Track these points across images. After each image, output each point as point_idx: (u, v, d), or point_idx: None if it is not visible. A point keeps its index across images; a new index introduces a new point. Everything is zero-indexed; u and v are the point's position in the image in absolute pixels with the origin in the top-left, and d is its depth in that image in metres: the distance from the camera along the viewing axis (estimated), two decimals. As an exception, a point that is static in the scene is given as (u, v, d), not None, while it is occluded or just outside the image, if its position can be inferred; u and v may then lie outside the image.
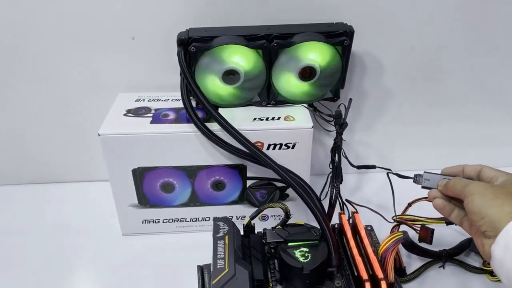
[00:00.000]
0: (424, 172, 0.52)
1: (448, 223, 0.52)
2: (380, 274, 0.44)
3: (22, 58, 0.62)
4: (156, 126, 0.56)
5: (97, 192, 0.69)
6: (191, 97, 0.56)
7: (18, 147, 0.70)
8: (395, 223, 0.56)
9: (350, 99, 0.56)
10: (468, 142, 0.74)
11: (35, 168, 0.73)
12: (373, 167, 0.59)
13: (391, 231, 0.56)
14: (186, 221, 0.63)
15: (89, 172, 0.73)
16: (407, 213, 0.57)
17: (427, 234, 0.52)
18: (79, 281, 0.58)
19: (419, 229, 0.53)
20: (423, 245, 0.56)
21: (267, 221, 0.64)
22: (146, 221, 0.62)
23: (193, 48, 0.54)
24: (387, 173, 0.58)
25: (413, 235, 0.56)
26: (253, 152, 0.53)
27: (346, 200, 0.59)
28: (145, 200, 0.60)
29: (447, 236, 0.60)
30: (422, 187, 0.51)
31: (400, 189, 0.58)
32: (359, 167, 0.60)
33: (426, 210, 0.54)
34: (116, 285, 0.57)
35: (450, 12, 0.62)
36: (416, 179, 0.52)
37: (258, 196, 0.61)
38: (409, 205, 0.58)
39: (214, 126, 0.54)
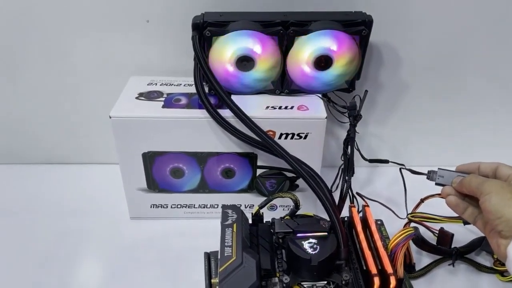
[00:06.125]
0: (439, 168, 0.50)
1: (466, 223, 0.51)
2: (389, 269, 0.43)
3: (34, 39, 0.62)
4: (168, 110, 0.55)
5: (106, 175, 0.69)
6: (204, 83, 0.55)
7: (28, 127, 0.70)
8: (408, 221, 0.55)
9: (366, 91, 0.55)
10: (484, 139, 0.73)
11: (44, 149, 0.73)
12: (386, 161, 0.58)
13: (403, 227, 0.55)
14: (194, 207, 0.62)
15: (99, 154, 0.73)
16: (419, 210, 0.56)
17: (446, 239, 0.51)
18: (84, 263, 0.58)
19: (436, 231, 0.52)
20: (434, 241, 0.55)
21: (276, 211, 0.63)
22: (155, 205, 0.62)
23: (208, 32, 0.53)
24: (400, 169, 0.56)
25: (424, 231, 0.55)
26: (265, 141, 0.52)
27: (357, 193, 0.58)
28: (154, 184, 0.60)
29: (458, 234, 0.59)
30: (436, 183, 0.50)
31: (412, 185, 0.58)
32: (371, 161, 0.59)
33: (438, 208, 0.53)
34: (121, 268, 0.57)
35: (473, 4, 0.60)
36: (430, 175, 0.51)
37: (268, 186, 0.61)
38: (422, 201, 0.57)
39: (226, 113, 0.54)
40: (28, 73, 0.65)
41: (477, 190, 0.44)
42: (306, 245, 0.47)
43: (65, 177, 0.72)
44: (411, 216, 0.54)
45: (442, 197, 0.50)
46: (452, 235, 0.51)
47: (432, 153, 0.74)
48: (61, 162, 0.74)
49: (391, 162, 0.59)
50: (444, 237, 0.53)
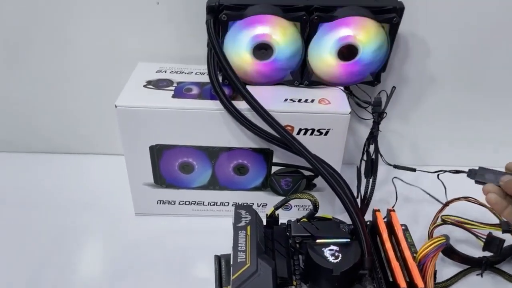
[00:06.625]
0: (480, 167, 0.48)
1: (505, 231, 0.48)
2: (420, 283, 0.39)
3: (37, 23, 0.58)
4: (178, 100, 0.51)
5: (111, 166, 0.65)
6: (218, 72, 0.51)
7: (32, 115, 0.67)
8: (435, 225, 0.51)
9: (393, 88, 0.50)
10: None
11: (47, 137, 0.69)
12: (413, 170, 0.54)
13: (430, 233, 0.51)
14: (203, 204, 0.59)
15: (104, 144, 0.69)
16: (446, 213, 0.52)
17: (494, 245, 0.49)
18: (85, 260, 0.55)
19: (483, 236, 0.49)
20: (463, 250, 0.51)
21: (290, 211, 0.59)
22: (161, 201, 0.58)
23: (224, 16, 0.48)
24: (438, 175, 0.54)
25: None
26: (284, 137, 0.48)
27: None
28: (161, 179, 0.56)
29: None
30: (476, 181, 0.48)
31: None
32: (396, 167, 0.55)
33: (461, 212, 0.50)
34: (124, 267, 0.53)
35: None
36: (471, 173, 0.49)
37: (283, 184, 0.57)
38: (446, 205, 0.53)
39: (241, 105, 0.49)
40: (30, 58, 0.61)
41: None
42: (327, 252, 0.43)
43: (67, 167, 0.68)
44: (445, 217, 0.51)
45: (468, 200, 0.49)
46: (503, 241, 0.47)
47: (457, 152, 0.69)
48: (63, 151, 0.70)
49: (419, 170, 0.55)
50: (492, 242, 0.50)
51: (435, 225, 0.52)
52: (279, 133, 0.48)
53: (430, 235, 0.52)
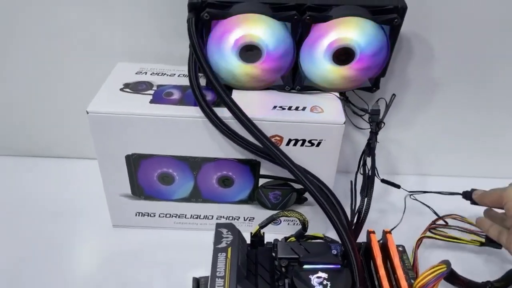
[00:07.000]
0: (472, 189, 0.51)
1: (484, 244, 0.50)
2: (418, 320, 0.35)
3: (12, 21, 0.54)
4: (157, 106, 0.46)
5: (88, 171, 0.61)
6: (200, 74, 0.46)
7: (4, 115, 0.63)
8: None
9: (393, 95, 0.46)
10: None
11: (20, 139, 0.65)
12: (397, 186, 0.53)
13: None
14: (186, 217, 0.54)
15: (80, 148, 0.65)
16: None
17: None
18: (58, 274, 0.51)
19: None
20: (465, 275, 0.47)
21: (279, 226, 0.55)
22: (140, 213, 0.54)
23: (207, 15, 0.44)
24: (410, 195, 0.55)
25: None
26: (267, 147, 0.43)
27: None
28: (139, 190, 0.52)
29: (492, 263, 0.51)
30: (472, 203, 0.51)
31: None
32: (383, 181, 0.54)
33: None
34: (101, 282, 0.50)
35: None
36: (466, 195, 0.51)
37: (271, 198, 0.52)
38: (434, 222, 0.53)
39: (225, 113, 0.45)
40: (5, 58, 0.57)
41: (499, 198, 0.46)
42: (314, 280, 0.39)
43: (43, 172, 0.64)
44: (431, 233, 0.51)
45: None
46: None
47: (459, 163, 0.65)
48: (37, 155, 0.66)
49: (403, 188, 0.56)
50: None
51: (422, 235, 0.52)
52: (261, 142, 0.43)
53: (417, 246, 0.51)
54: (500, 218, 0.49)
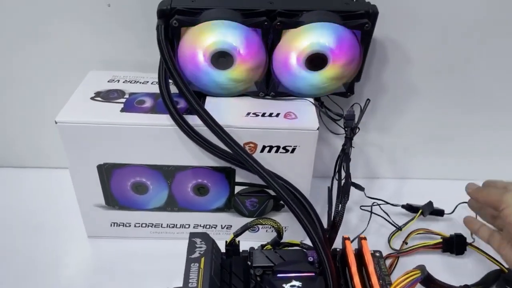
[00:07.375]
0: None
1: (445, 250, 0.53)
2: (391, 328, 0.35)
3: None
4: (128, 115, 0.46)
5: (62, 181, 0.59)
6: (170, 82, 0.45)
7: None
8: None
9: (368, 100, 0.46)
10: (501, 150, 0.63)
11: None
12: (362, 189, 0.51)
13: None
14: (162, 227, 0.53)
15: (53, 157, 0.63)
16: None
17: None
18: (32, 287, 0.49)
19: None
20: (442, 278, 0.47)
21: (257, 232, 0.54)
22: (115, 224, 0.53)
23: (176, 22, 0.43)
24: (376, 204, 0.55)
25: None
26: (237, 154, 0.43)
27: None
28: (113, 200, 0.51)
29: (471, 265, 0.51)
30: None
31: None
32: (352, 185, 0.52)
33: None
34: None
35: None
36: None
37: (248, 205, 0.52)
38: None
39: (197, 120, 0.44)
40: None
41: (497, 201, 0.43)
42: (288, 289, 0.38)
43: (16, 183, 0.63)
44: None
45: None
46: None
47: (438, 165, 0.65)
48: (10, 165, 0.64)
49: (367, 196, 0.55)
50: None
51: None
52: (231, 149, 0.43)
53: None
54: (490, 214, 0.47)
